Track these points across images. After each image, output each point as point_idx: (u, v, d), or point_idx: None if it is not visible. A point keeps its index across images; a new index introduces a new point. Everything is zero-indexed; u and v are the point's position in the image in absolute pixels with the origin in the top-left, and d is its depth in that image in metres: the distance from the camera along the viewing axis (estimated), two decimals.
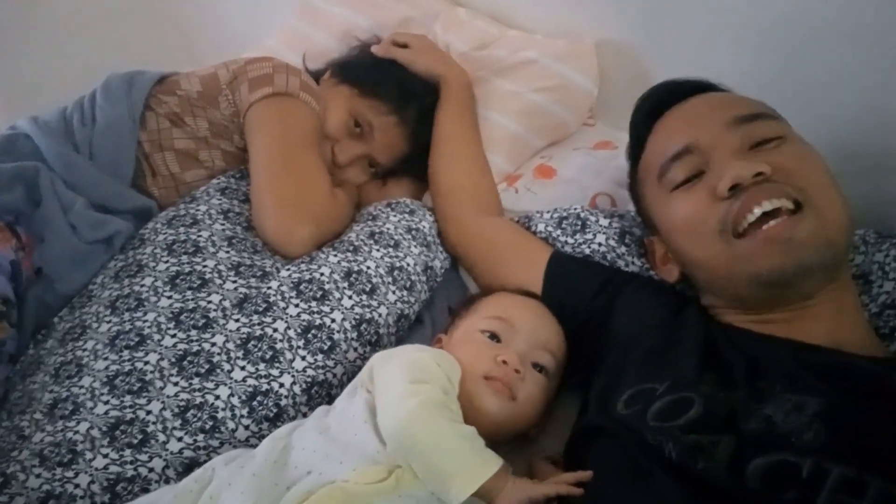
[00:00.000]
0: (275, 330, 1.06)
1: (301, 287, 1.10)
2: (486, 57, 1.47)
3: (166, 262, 1.14)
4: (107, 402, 1.01)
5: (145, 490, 0.96)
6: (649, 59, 1.41)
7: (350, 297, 1.10)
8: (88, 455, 0.97)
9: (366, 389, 0.94)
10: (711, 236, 0.91)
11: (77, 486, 0.95)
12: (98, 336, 1.08)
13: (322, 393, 1.06)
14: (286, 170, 1.21)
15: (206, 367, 1.03)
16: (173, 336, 1.06)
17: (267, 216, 1.19)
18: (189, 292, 1.10)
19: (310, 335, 1.06)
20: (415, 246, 1.20)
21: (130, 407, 1.00)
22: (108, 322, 1.09)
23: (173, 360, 1.04)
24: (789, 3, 1.17)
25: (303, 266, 1.14)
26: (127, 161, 1.26)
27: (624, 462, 0.82)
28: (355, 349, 1.08)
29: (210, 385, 1.02)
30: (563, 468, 0.91)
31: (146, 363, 1.03)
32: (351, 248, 1.17)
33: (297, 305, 1.08)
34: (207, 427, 1.00)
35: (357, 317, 1.09)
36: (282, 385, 1.03)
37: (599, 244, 1.14)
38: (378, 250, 1.17)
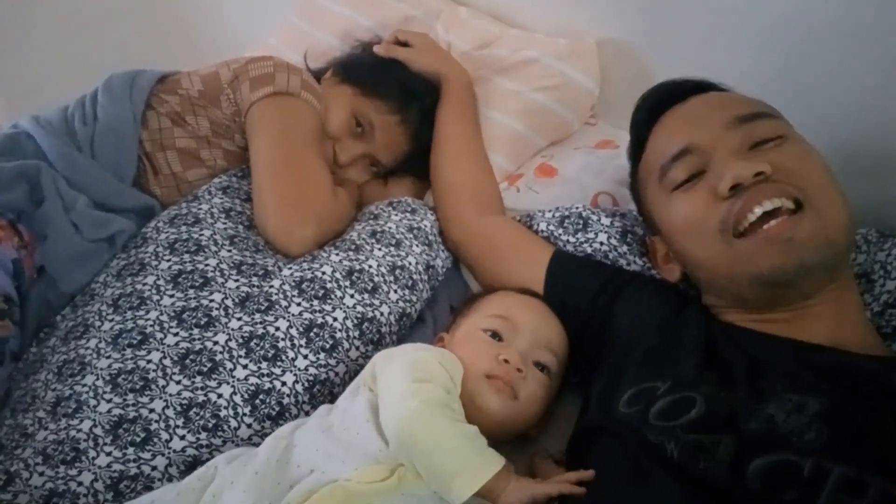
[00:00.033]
0: (277, 328, 1.06)
1: (303, 286, 1.10)
2: (487, 56, 1.47)
3: (168, 260, 1.14)
4: (110, 401, 1.01)
5: (148, 488, 0.97)
6: (650, 59, 1.41)
7: (352, 296, 1.10)
8: (92, 453, 0.98)
9: (368, 388, 0.94)
10: (712, 236, 0.91)
11: (80, 484, 0.96)
12: (101, 334, 1.08)
13: (324, 391, 1.06)
14: (287, 169, 1.21)
15: (209, 365, 1.03)
16: (176, 334, 1.06)
17: (268, 215, 1.19)
18: (191, 291, 1.10)
19: (312, 334, 1.06)
20: (416, 245, 1.20)
21: (133, 405, 1.00)
22: (111, 320, 1.09)
23: (176, 358, 1.04)
24: (789, 3, 1.18)
25: (305, 265, 1.14)
26: (128, 160, 1.26)
27: (625, 461, 0.82)
28: (357, 348, 1.08)
29: (212, 383, 1.02)
30: (565, 467, 0.91)
31: (149, 361, 1.04)
32: (353, 246, 1.17)
33: (299, 304, 1.08)
34: (210, 425, 1.00)
35: (359, 315, 1.09)
36: (284, 384, 1.03)
37: (601, 243, 1.14)
38: (380, 249, 1.17)
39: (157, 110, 1.29)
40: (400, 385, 0.88)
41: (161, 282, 1.11)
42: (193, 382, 1.02)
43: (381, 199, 1.31)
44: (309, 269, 1.12)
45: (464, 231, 1.25)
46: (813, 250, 0.85)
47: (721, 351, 0.89)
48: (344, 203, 1.29)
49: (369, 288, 1.12)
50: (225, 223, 1.20)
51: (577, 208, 1.19)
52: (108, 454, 0.97)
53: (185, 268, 1.12)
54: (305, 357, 1.05)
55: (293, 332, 1.06)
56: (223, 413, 1.01)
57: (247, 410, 1.01)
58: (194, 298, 1.09)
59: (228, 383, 1.02)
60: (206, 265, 1.13)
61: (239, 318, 1.07)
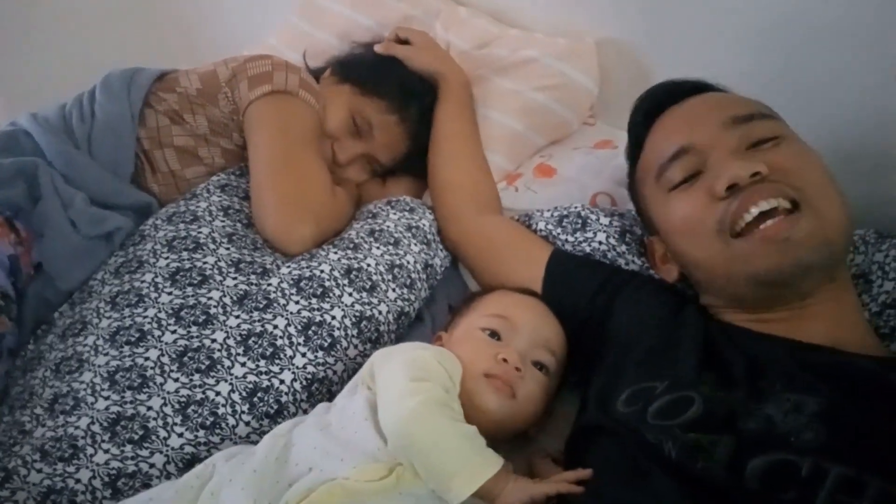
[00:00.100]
0: (275, 326, 1.06)
1: (301, 284, 1.10)
2: (486, 55, 1.47)
3: (166, 258, 1.14)
4: (107, 398, 1.01)
5: (146, 485, 0.97)
6: (650, 59, 1.41)
7: (350, 295, 1.10)
8: (89, 450, 0.97)
9: (366, 387, 0.94)
10: (709, 236, 0.91)
11: (78, 481, 0.96)
12: (98, 332, 1.08)
13: (322, 390, 1.06)
14: (286, 168, 1.21)
15: (207, 363, 1.03)
16: (174, 332, 1.06)
17: (267, 214, 1.19)
18: (189, 289, 1.10)
19: (310, 332, 1.06)
20: (415, 244, 1.20)
21: (131, 402, 1.00)
22: (109, 318, 1.09)
23: (174, 356, 1.04)
24: (789, 3, 1.18)
25: (303, 263, 1.14)
26: (126, 158, 1.26)
27: (623, 461, 0.82)
28: (356, 346, 1.08)
29: (211, 381, 1.02)
30: (564, 466, 0.91)
31: (147, 359, 1.04)
32: (351, 245, 1.17)
33: (297, 302, 1.08)
34: (208, 423, 1.00)
35: (357, 314, 1.09)
36: (282, 382, 1.03)
37: (600, 242, 1.14)
38: (378, 248, 1.17)
39: (156, 108, 1.29)
40: (399, 384, 0.88)
41: (159, 279, 1.11)
42: (191, 380, 1.02)
43: (380, 199, 1.31)
44: (307, 268, 1.12)
45: (462, 230, 1.25)
46: (810, 250, 0.85)
47: (720, 351, 0.89)
48: (343, 202, 1.29)
49: (368, 286, 1.12)
50: (223, 221, 1.20)
51: (575, 208, 1.19)
52: (106, 451, 0.97)
53: (183, 265, 1.12)
54: (304, 355, 1.05)
55: (291, 330, 1.06)
56: (221, 411, 1.00)
57: (245, 408, 1.01)
58: (192, 296, 1.09)
59: (226, 381, 1.02)
60: (205, 263, 1.13)
61: (237, 316, 1.07)
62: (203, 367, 1.03)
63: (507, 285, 1.12)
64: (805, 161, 0.92)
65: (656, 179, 1.00)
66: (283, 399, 1.03)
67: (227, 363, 1.03)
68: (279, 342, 1.05)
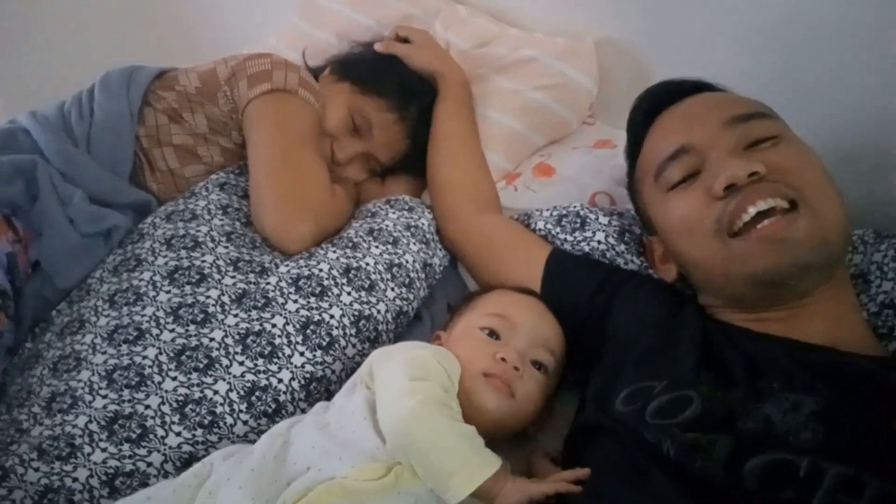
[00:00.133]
0: (273, 325, 1.06)
1: (300, 283, 1.10)
2: (485, 55, 1.47)
3: (165, 256, 1.14)
4: (105, 396, 1.01)
5: (144, 484, 0.96)
6: (649, 59, 1.41)
7: (349, 294, 1.10)
8: (87, 449, 0.97)
9: (365, 386, 0.94)
10: (707, 236, 0.91)
11: (76, 479, 0.96)
12: (96, 330, 1.08)
13: (321, 389, 1.06)
14: (285, 166, 1.20)
15: (205, 362, 1.03)
16: (172, 331, 1.06)
17: (266, 213, 1.19)
18: (188, 287, 1.10)
19: (308, 331, 1.06)
20: (414, 243, 1.20)
21: (129, 401, 1.00)
22: (107, 316, 1.09)
23: (172, 354, 1.04)
24: (789, 3, 1.18)
25: (302, 262, 1.14)
26: (125, 156, 1.26)
27: (622, 460, 0.82)
28: (354, 345, 1.08)
29: (208, 380, 1.02)
30: (562, 466, 0.91)
31: (145, 357, 1.03)
32: (350, 244, 1.17)
33: (295, 301, 1.08)
34: (206, 422, 1.00)
35: (356, 313, 1.09)
36: (280, 381, 1.03)
37: (599, 242, 1.14)
38: (377, 247, 1.17)
39: (154, 107, 1.29)
40: (397, 383, 0.88)
41: (157, 278, 1.11)
42: (189, 379, 1.02)
43: (379, 197, 1.31)
44: (306, 267, 1.12)
45: (461, 229, 1.25)
46: (808, 250, 0.85)
47: (719, 351, 0.89)
48: (342, 201, 1.29)
49: (366, 285, 1.12)
50: (222, 219, 1.20)
51: (574, 207, 1.19)
52: (104, 450, 0.97)
53: (181, 264, 1.12)
54: (302, 354, 1.05)
55: (290, 329, 1.06)
56: (219, 410, 1.00)
57: (243, 407, 1.01)
58: (191, 295, 1.09)
59: (224, 380, 1.02)
60: (203, 261, 1.13)
61: (235, 315, 1.07)
62: (201, 365, 1.03)
63: (506, 284, 1.12)
64: (803, 161, 0.92)
65: (655, 179, 1.00)
66: (282, 398, 1.03)
67: (225, 362, 1.03)
68: (277, 341, 1.05)
